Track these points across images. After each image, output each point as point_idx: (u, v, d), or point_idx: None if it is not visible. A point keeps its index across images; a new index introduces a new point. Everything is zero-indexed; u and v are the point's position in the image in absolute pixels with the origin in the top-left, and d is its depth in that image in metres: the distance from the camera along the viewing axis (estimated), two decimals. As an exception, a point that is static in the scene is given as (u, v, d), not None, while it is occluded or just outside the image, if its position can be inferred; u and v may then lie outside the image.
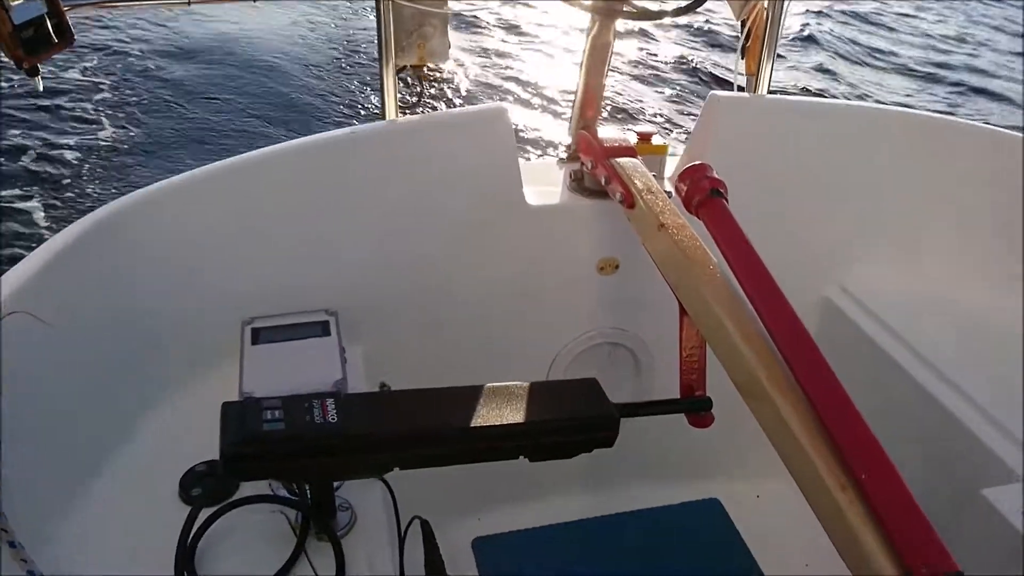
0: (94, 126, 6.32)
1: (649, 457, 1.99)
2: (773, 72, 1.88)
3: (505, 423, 1.08)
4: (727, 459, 2.10)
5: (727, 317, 1.14)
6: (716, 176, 1.32)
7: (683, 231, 1.32)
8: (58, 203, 5.28)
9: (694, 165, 1.33)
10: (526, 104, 7.40)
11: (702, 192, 1.29)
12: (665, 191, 1.47)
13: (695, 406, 1.31)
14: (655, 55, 8.78)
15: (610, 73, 1.80)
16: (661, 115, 7.37)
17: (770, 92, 1.92)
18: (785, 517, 2.15)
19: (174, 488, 1.25)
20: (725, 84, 1.97)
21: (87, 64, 7.24)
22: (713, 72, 8.31)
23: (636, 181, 1.48)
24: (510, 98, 7.45)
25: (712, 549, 2.03)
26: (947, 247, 1.90)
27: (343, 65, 7.86)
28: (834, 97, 8.11)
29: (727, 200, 1.30)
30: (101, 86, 6.97)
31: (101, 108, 6.61)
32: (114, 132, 6.26)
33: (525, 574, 1.94)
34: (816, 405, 0.98)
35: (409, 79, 1.72)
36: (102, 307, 1.37)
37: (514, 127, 1.69)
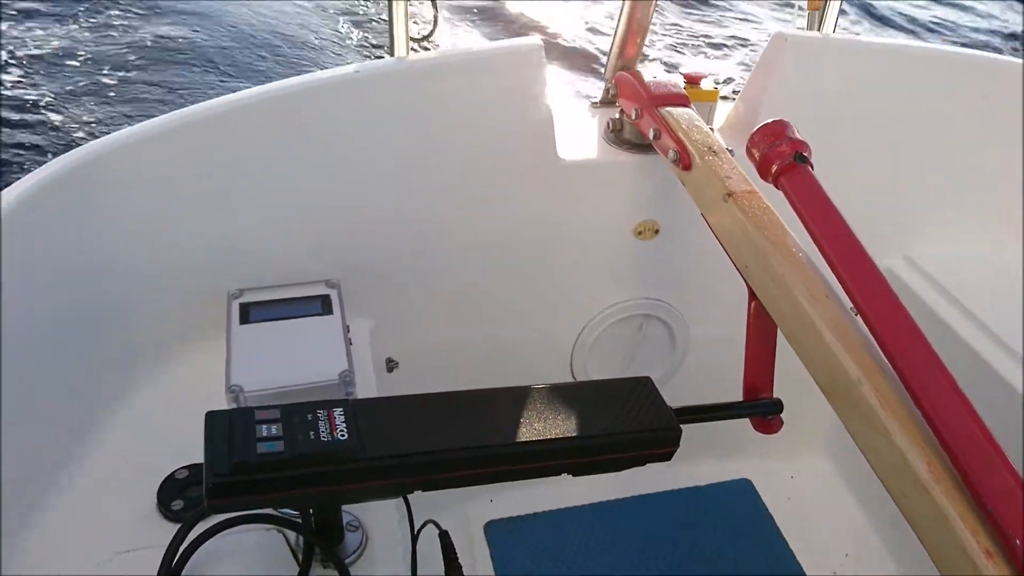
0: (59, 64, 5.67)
1: None
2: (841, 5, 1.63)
3: (552, 437, 0.90)
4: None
5: (820, 317, 0.94)
6: (799, 136, 1.10)
7: (755, 202, 1.11)
8: (22, 148, 4.72)
9: (771, 124, 1.10)
10: (551, 36, 6.84)
11: (783, 157, 1.07)
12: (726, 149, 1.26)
13: (763, 409, 1.12)
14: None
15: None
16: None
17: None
18: (822, 499, 2.02)
19: (151, 500, 1.06)
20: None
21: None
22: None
23: (695, 137, 1.26)
24: (534, 28, 6.89)
25: (742, 534, 1.89)
26: None
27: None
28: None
29: (812, 165, 1.08)
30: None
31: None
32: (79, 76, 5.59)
33: (540, 560, 1.80)
34: (947, 442, 0.79)
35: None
36: (62, 275, 1.15)
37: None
